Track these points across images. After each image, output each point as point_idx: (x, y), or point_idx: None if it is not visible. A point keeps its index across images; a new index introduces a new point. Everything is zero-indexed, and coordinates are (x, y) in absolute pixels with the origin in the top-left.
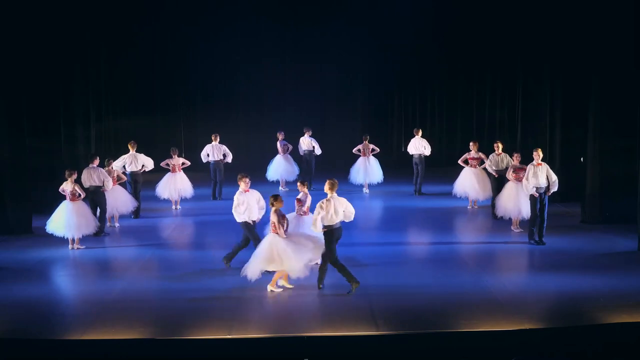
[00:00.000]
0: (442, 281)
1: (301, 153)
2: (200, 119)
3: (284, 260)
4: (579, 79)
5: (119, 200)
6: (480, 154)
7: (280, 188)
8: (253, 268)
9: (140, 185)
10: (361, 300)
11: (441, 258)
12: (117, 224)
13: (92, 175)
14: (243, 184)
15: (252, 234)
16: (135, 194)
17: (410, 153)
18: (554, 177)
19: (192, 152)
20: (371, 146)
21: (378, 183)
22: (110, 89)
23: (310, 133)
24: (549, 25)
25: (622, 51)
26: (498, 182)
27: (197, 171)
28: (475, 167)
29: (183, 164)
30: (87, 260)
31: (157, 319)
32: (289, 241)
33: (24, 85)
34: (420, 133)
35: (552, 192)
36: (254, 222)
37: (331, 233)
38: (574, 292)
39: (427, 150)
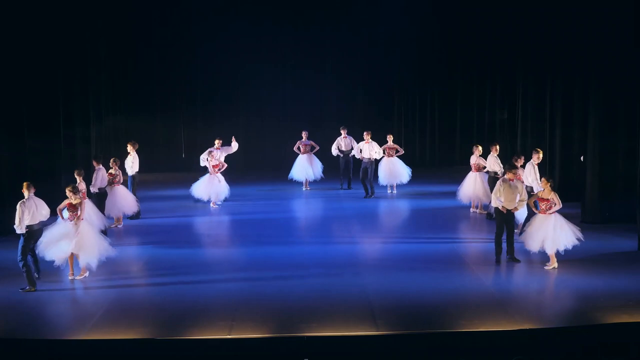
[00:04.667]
0: (442, 281)
1: (340, 154)
2: (200, 119)
3: (81, 246)
4: (579, 79)
5: (124, 201)
6: (480, 158)
7: (303, 188)
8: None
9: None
10: (361, 300)
11: (441, 258)
12: (121, 224)
13: (105, 176)
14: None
15: None
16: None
17: (361, 157)
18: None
19: (192, 152)
20: (395, 146)
21: (403, 183)
22: (110, 89)
23: (347, 131)
24: (549, 25)
25: (622, 51)
26: (492, 184)
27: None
28: (475, 171)
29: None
30: None
31: (157, 319)
32: (86, 229)
33: (24, 86)
34: (370, 136)
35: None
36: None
37: (32, 233)
38: (574, 292)
39: (377, 154)
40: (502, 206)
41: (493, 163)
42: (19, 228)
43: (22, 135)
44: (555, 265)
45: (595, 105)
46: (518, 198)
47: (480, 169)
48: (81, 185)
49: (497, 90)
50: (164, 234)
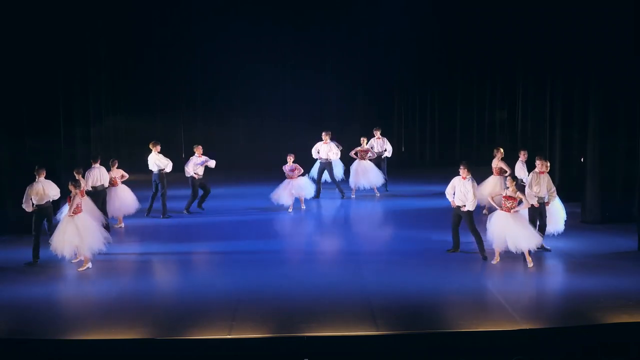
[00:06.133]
0: (441, 281)
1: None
2: (200, 119)
3: (93, 238)
4: (579, 79)
5: (124, 200)
6: (501, 162)
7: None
8: (61, 247)
9: (165, 184)
10: (361, 300)
11: (441, 258)
12: (122, 225)
13: (102, 175)
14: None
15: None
16: (154, 193)
17: (318, 157)
18: (553, 187)
19: (192, 152)
20: (368, 149)
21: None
22: (110, 89)
23: (380, 132)
24: (549, 25)
25: (621, 51)
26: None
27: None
28: (496, 174)
29: (295, 169)
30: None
31: (157, 319)
32: (90, 220)
33: (24, 86)
34: (328, 137)
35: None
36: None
37: (41, 211)
38: (574, 292)
39: (335, 155)
40: (452, 201)
41: (519, 169)
42: (26, 206)
43: (22, 135)
44: (499, 259)
45: (595, 105)
46: (469, 198)
47: (501, 173)
48: (79, 183)
49: (497, 90)
50: (163, 234)
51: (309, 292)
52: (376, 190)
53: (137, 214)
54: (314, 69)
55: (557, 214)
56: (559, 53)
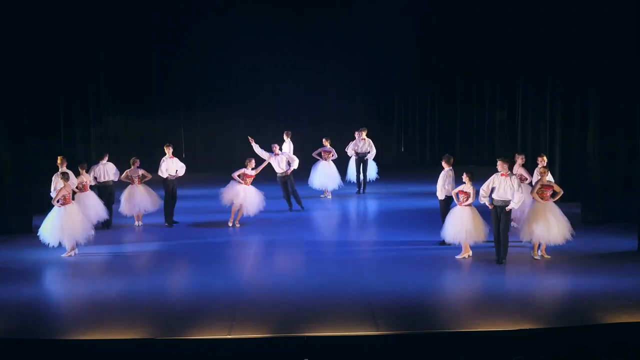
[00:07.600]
0: (442, 281)
1: (356, 156)
2: (200, 119)
3: (74, 228)
4: (579, 79)
5: (138, 199)
6: (521, 168)
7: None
8: (51, 238)
9: (168, 191)
10: (361, 300)
11: (441, 258)
12: (140, 223)
13: (107, 171)
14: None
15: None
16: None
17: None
18: (517, 194)
19: (192, 152)
20: (331, 150)
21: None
22: (110, 89)
23: (366, 132)
24: (549, 25)
25: (621, 51)
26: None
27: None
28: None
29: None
30: (87, 259)
31: (157, 319)
32: (77, 212)
33: (24, 86)
34: (289, 137)
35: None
36: None
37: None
38: (574, 292)
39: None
40: None
41: (537, 175)
42: (54, 195)
43: (23, 135)
44: (470, 253)
45: (595, 105)
46: (439, 188)
47: (522, 180)
48: (82, 178)
49: (497, 90)
50: (164, 234)
51: (309, 292)
52: (327, 192)
53: (155, 214)
54: (314, 69)
55: (553, 224)
56: (559, 53)
